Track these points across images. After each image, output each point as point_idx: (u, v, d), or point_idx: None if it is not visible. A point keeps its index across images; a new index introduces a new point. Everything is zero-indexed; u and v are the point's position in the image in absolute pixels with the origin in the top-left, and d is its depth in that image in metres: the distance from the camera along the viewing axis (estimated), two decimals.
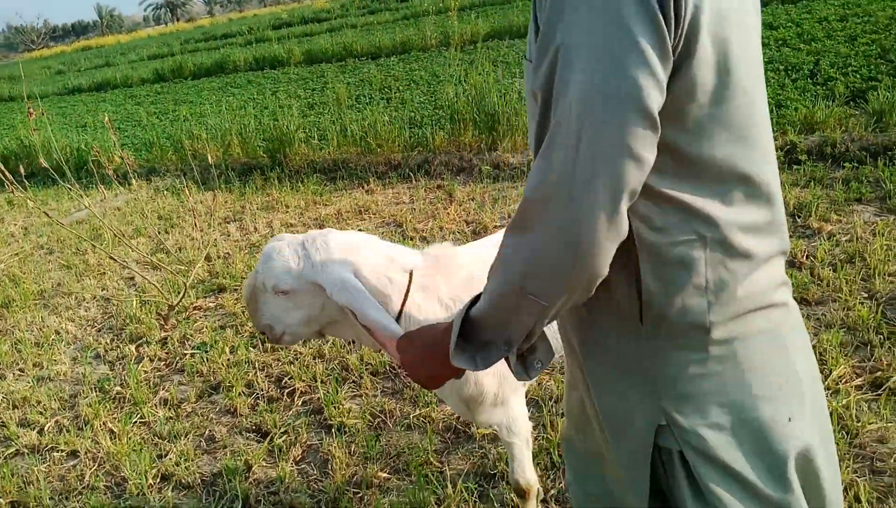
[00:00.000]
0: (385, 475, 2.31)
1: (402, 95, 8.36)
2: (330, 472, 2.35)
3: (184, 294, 3.73)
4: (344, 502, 2.20)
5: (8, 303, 4.37)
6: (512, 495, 2.03)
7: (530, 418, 2.44)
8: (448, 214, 4.52)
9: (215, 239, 4.85)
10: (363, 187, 5.51)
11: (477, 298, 0.93)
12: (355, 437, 2.50)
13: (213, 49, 20.16)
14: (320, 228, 4.68)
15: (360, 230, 4.50)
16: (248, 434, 2.66)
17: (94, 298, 4.28)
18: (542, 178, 0.77)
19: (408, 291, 1.46)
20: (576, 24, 0.72)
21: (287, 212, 5.22)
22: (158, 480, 2.48)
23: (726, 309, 0.88)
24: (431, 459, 2.34)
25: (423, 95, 8.18)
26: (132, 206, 6.16)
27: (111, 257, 4.16)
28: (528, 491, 1.77)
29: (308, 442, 2.55)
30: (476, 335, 0.93)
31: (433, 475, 2.25)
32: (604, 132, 0.71)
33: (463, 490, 2.14)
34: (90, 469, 2.59)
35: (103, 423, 2.85)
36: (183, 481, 2.45)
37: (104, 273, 4.61)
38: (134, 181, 6.94)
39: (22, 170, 4.01)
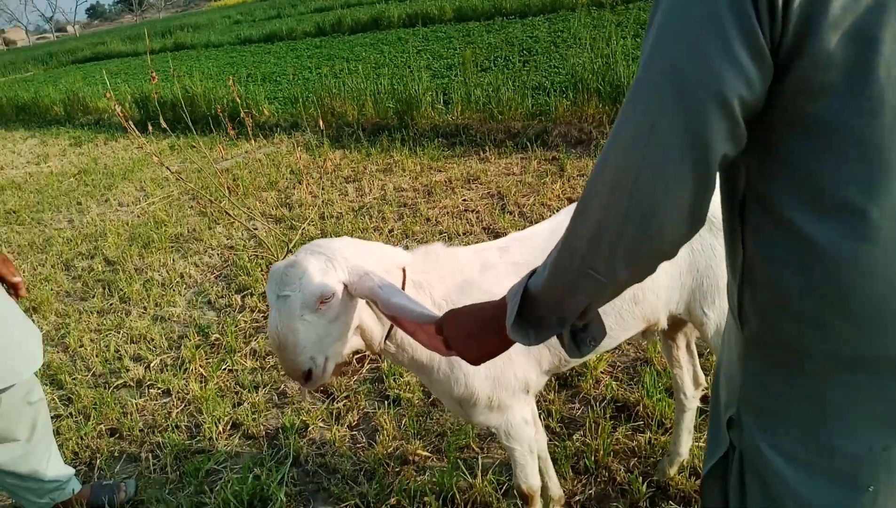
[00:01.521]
0: (425, 453, 2.38)
1: (538, 59, 8.19)
2: (376, 443, 2.46)
3: (287, 251, 3.98)
4: (381, 473, 2.30)
5: (148, 243, 4.88)
6: None
7: (579, 416, 2.43)
8: (553, 190, 4.43)
9: (332, 199, 5.10)
10: (479, 155, 5.51)
11: (533, 272, 0.95)
12: (407, 411, 2.59)
13: (372, 3, 20.66)
14: (428, 194, 4.80)
15: (464, 200, 4.59)
16: (315, 395, 2.84)
17: (220, 246, 4.67)
18: (607, 151, 0.77)
19: (403, 287, 1.48)
20: (672, 9, 0.71)
21: (403, 175, 5.35)
22: (229, 427, 2.72)
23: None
24: (472, 444, 2.38)
25: (558, 59, 7.95)
26: (271, 158, 6.56)
27: (226, 212, 4.51)
28: (531, 497, 1.76)
29: (364, 410, 2.68)
30: (531, 309, 0.94)
31: (468, 461, 2.29)
32: (676, 116, 0.70)
33: (490, 481, 2.17)
34: (177, 408, 2.89)
35: (197, 366, 3.14)
36: (249, 431, 2.66)
37: (233, 223, 4.99)
38: (276, 134, 7.41)
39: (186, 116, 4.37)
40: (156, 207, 5.76)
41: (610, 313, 1.62)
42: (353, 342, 1.49)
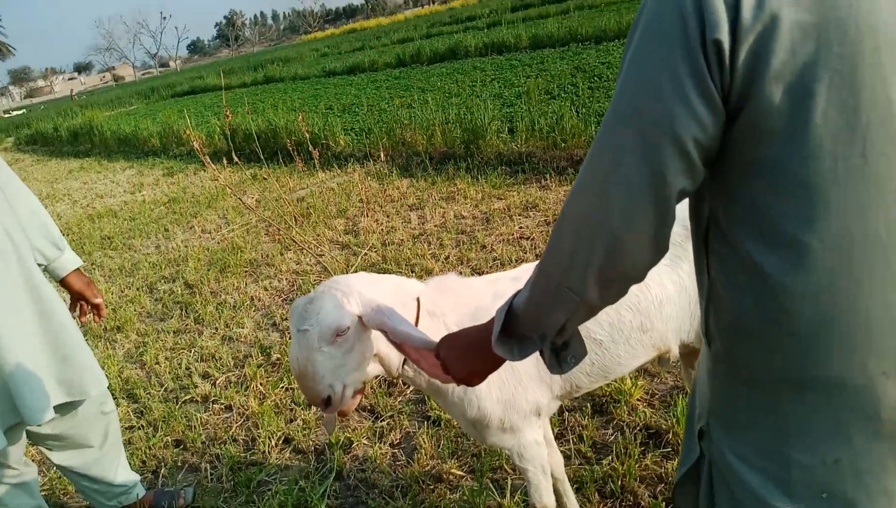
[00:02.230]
0: (459, 472, 2.47)
1: (608, 85, 8.20)
2: (414, 461, 2.57)
3: None
4: (415, 490, 2.41)
5: (224, 268, 5.20)
6: None
7: (611, 442, 2.46)
8: None
9: (395, 226, 5.29)
10: (539, 183, 5.59)
11: (518, 293, 1.04)
12: (446, 432, 2.69)
13: (450, 33, 21.13)
14: (486, 221, 4.91)
15: (520, 227, 4.67)
16: (363, 413, 2.98)
17: (289, 271, 4.93)
18: (581, 178, 0.87)
19: (417, 316, 1.59)
20: (635, 57, 0.81)
21: (464, 203, 5.49)
22: (282, 442, 2.89)
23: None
24: (505, 465, 2.45)
25: None
26: (343, 188, 6.85)
27: (292, 239, 4.76)
28: None
29: (406, 429, 2.80)
30: (515, 327, 1.03)
31: (499, 481, 2.36)
32: (637, 154, 0.79)
33: (517, 502, 2.23)
34: (237, 423, 3.09)
35: (258, 384, 3.35)
36: (299, 446, 2.83)
37: (302, 250, 5.26)
38: (350, 164, 7.72)
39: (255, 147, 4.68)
40: (234, 234, 6.12)
41: (619, 340, 1.69)
42: (373, 369, 1.60)
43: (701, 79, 0.75)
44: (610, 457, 2.36)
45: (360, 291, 1.50)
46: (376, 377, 1.66)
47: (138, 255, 6.14)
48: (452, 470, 2.47)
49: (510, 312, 1.04)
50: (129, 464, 2.84)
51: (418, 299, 1.61)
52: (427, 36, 23.16)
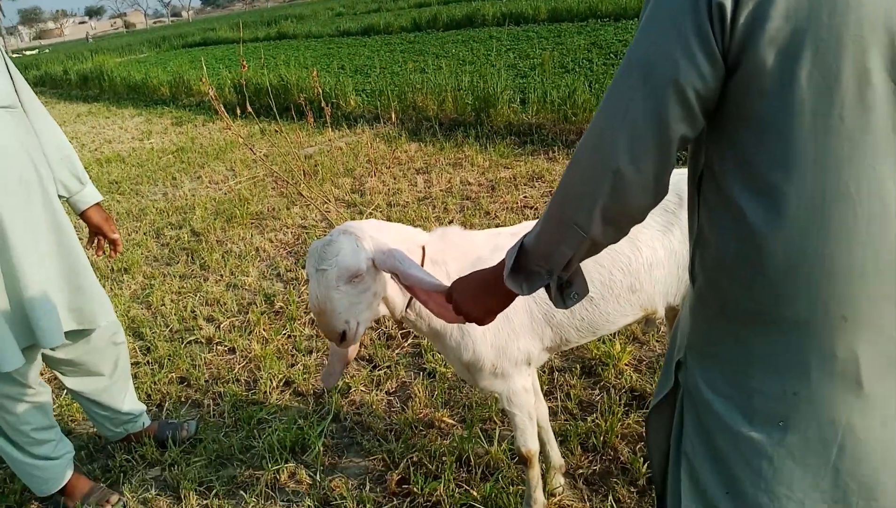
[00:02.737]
0: (451, 421, 2.59)
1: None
2: (408, 408, 2.68)
3: None
4: (408, 434, 2.53)
5: (231, 218, 5.29)
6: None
7: (596, 401, 2.57)
8: None
9: (402, 188, 5.37)
10: (547, 155, 5.65)
11: (529, 232, 1.13)
12: (440, 383, 2.80)
13: (469, 1, 20.93)
14: (492, 189, 4.99)
15: (525, 197, 4.75)
16: (361, 362, 3.09)
17: (294, 225, 5.02)
18: (594, 119, 0.97)
19: (422, 263, 1.69)
20: (650, 16, 0.91)
21: (471, 170, 5.56)
22: (282, 384, 3.01)
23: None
24: (494, 417, 2.57)
25: None
26: (351, 148, 6.90)
27: (300, 194, 4.84)
28: (529, 459, 1.94)
29: (402, 379, 2.91)
30: (525, 263, 1.12)
31: (488, 431, 2.48)
32: (643, 97, 0.89)
33: (504, 450, 2.35)
34: (240, 364, 3.21)
35: (261, 330, 3.46)
36: (299, 389, 2.95)
37: (308, 205, 5.34)
38: (359, 125, 7.77)
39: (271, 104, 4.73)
40: (241, 186, 6.19)
41: (609, 298, 1.78)
42: (379, 310, 1.70)
43: (704, 36, 0.85)
44: (594, 415, 2.48)
45: (372, 235, 1.59)
46: (380, 317, 1.76)
47: (145, 201, 6.22)
48: (444, 419, 2.59)
49: (521, 249, 1.13)
50: (137, 397, 2.96)
51: (423, 247, 1.70)
52: (444, 2, 22.89)
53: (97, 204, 2.49)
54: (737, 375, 1.02)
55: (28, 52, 44.17)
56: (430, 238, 1.75)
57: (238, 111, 5.86)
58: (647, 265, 1.77)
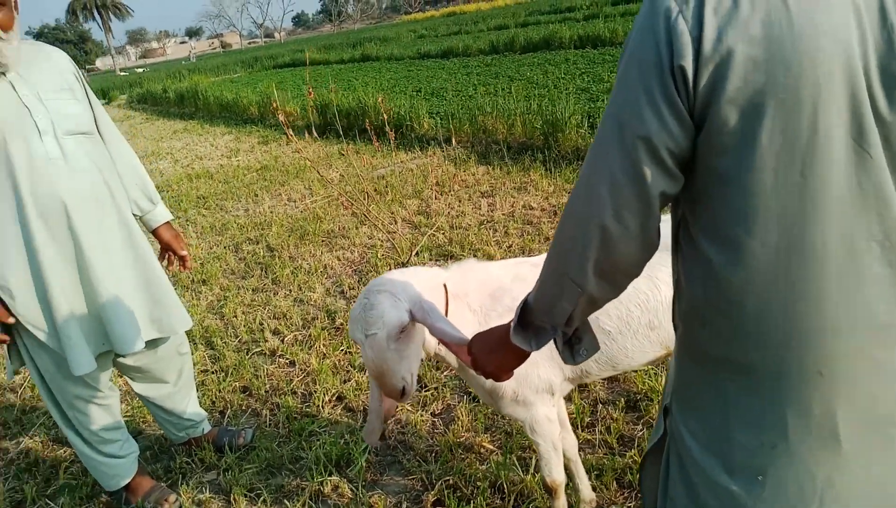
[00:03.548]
0: (490, 446, 2.64)
1: None
2: (450, 431, 2.76)
3: (411, 254, 4.39)
4: (447, 457, 2.60)
5: (304, 235, 5.53)
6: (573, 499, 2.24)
7: (638, 437, 2.57)
8: None
9: (465, 211, 5.47)
10: None
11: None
12: (483, 408, 2.87)
13: (547, 23, 20.98)
14: (554, 214, 5.02)
15: None
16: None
17: (361, 244, 5.20)
18: (579, 179, 1.03)
19: (447, 300, 1.77)
20: (620, 78, 0.97)
21: (535, 194, 5.61)
22: (335, 399, 3.15)
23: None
24: (533, 446, 2.60)
25: None
26: (421, 169, 7.08)
27: (364, 215, 5.01)
28: (555, 490, 1.98)
29: (448, 401, 2.99)
30: (531, 318, 1.18)
31: (526, 459, 2.53)
32: (619, 154, 0.95)
33: (539, 480, 2.39)
34: (298, 377, 3.37)
35: (321, 345, 3.62)
36: (350, 405, 3.08)
37: (376, 225, 5.52)
38: (431, 147, 7.94)
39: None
40: (316, 205, 6.46)
41: (626, 333, 1.82)
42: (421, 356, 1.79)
43: (670, 97, 0.89)
44: (633, 451, 2.48)
45: (404, 287, 1.64)
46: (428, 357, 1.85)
47: (228, 216, 6.57)
48: (484, 444, 2.65)
49: (526, 305, 1.18)
50: (200, 403, 3.16)
51: (445, 286, 1.78)
52: (523, 24, 23.09)
53: (167, 223, 2.70)
54: (716, 424, 1.03)
55: (139, 70, 47.27)
56: (449, 275, 1.83)
57: (315, 132, 6.16)
58: (665, 303, 1.79)
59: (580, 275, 1.02)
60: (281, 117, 4.39)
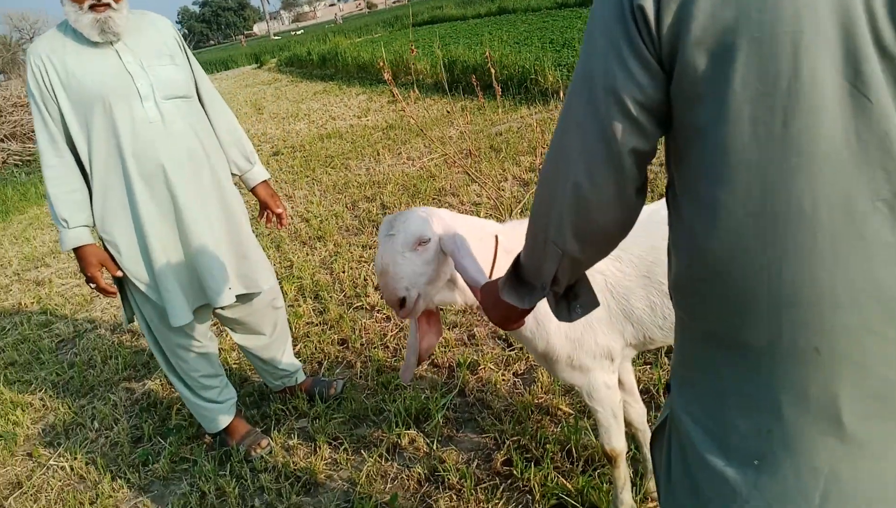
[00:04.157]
0: (567, 409, 2.59)
1: None
2: (529, 392, 2.73)
3: (513, 212, 4.33)
4: (522, 415, 2.58)
5: (416, 193, 5.61)
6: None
7: None
8: None
9: None
10: None
11: None
12: None
13: None
14: None
15: None
16: (496, 340, 3.19)
17: (468, 201, 5.21)
18: (552, 140, 0.99)
19: (496, 252, 1.72)
20: (588, 27, 0.91)
21: None
22: None
23: None
24: None
25: None
26: (541, 124, 6.91)
27: (466, 172, 4.98)
28: (614, 458, 1.90)
29: (531, 362, 2.95)
30: (522, 276, 1.16)
31: None
32: (589, 110, 0.88)
33: None
34: (391, 332, 3.47)
35: None
36: (436, 360, 3.13)
37: (486, 183, 5.49)
38: (553, 101, 7.73)
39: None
40: (433, 162, 6.52)
41: (657, 308, 1.71)
42: (456, 297, 1.77)
43: (634, 43, 0.81)
44: None
45: (442, 217, 1.66)
46: (462, 306, 1.83)
47: (350, 175, 6.80)
48: (561, 406, 2.60)
49: (518, 263, 1.14)
50: (303, 354, 3.35)
51: (496, 237, 1.73)
52: None
53: (265, 182, 2.83)
54: (711, 404, 0.94)
55: (297, 32, 49.69)
56: (503, 228, 1.78)
57: (451, 89, 6.12)
58: None
59: (559, 237, 0.96)
60: (386, 76, 4.42)
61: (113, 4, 2.27)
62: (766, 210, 0.78)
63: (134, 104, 2.35)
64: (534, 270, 1.08)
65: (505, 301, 1.22)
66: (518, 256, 1.14)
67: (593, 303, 1.14)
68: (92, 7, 2.24)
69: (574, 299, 1.13)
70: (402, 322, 3.51)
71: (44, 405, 3.57)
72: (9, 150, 13.11)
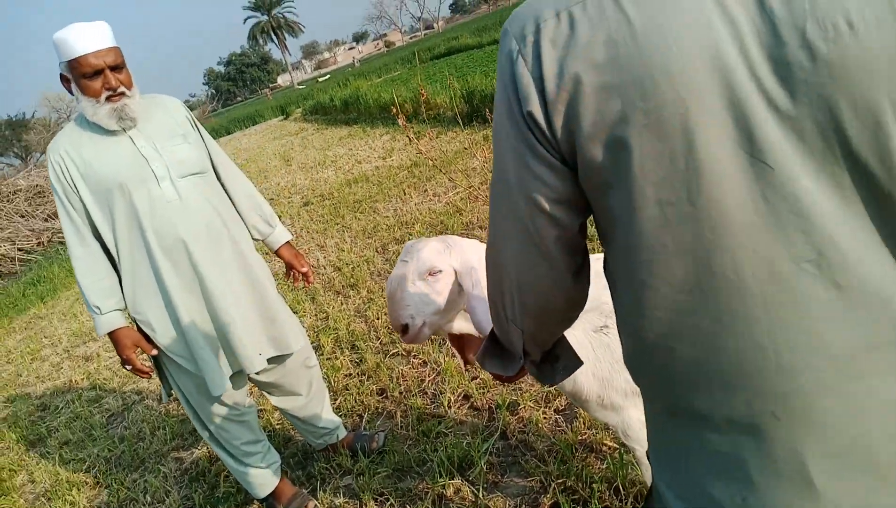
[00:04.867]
0: (613, 444, 2.52)
1: None
2: (572, 429, 2.67)
3: None
4: (567, 454, 2.52)
5: (443, 231, 5.62)
6: None
7: None
8: None
9: None
10: None
11: None
12: None
13: None
14: None
15: None
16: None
17: None
18: (489, 226, 1.00)
19: None
20: (493, 133, 0.92)
21: None
22: (461, 398, 3.17)
23: None
24: None
25: None
26: None
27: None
28: None
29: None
30: (501, 345, 1.15)
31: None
32: (509, 210, 0.89)
33: None
34: (429, 377, 3.45)
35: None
36: (475, 403, 3.09)
37: None
38: None
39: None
40: (458, 197, 6.53)
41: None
42: (466, 326, 1.73)
43: (533, 148, 0.80)
44: None
45: (464, 250, 1.65)
46: (479, 337, 1.81)
47: (379, 217, 6.85)
48: (605, 441, 2.54)
49: (493, 332, 1.13)
50: (343, 408, 3.35)
51: None
52: None
53: (287, 243, 2.86)
54: (686, 476, 0.90)
55: (322, 78, 50.88)
56: None
57: (471, 120, 6.12)
58: None
59: (515, 318, 0.97)
60: (401, 121, 4.48)
61: (127, 92, 2.36)
62: (693, 286, 0.77)
63: (151, 186, 2.41)
64: (506, 342, 1.08)
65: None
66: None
67: (575, 363, 1.13)
68: (108, 98, 2.32)
69: (556, 362, 1.12)
70: (408, 346, 3.50)
71: (97, 483, 3.63)
72: (53, 228, 13.59)
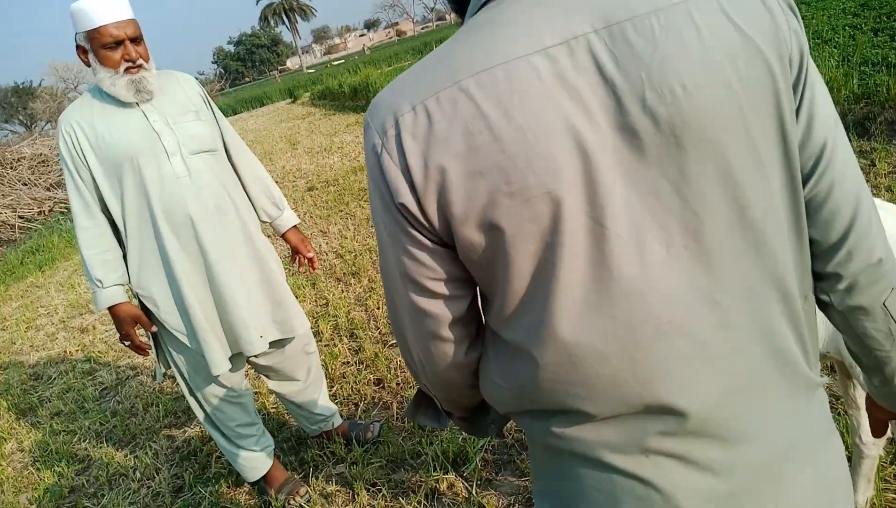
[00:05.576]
0: None
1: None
2: None
3: None
4: None
5: None
6: None
7: None
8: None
9: None
10: None
11: None
12: None
13: None
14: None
15: None
16: None
17: None
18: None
19: None
20: (373, 217, 0.91)
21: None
22: None
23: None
24: None
25: None
26: None
27: None
28: None
29: None
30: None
31: None
32: (392, 290, 0.90)
33: None
34: None
35: None
36: None
37: None
38: None
39: None
40: None
41: None
42: None
43: (410, 235, 0.81)
44: None
45: None
46: None
47: None
48: None
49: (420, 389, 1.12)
50: (339, 395, 3.33)
51: None
52: None
53: (294, 227, 2.84)
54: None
55: (335, 63, 50.79)
56: None
57: None
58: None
59: (427, 384, 0.98)
60: None
61: (145, 65, 2.33)
62: (566, 356, 0.78)
63: (161, 161, 2.39)
64: (430, 397, 1.08)
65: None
66: None
67: (505, 418, 1.11)
68: (127, 70, 2.29)
69: (485, 415, 1.10)
70: None
71: (87, 456, 3.62)
72: (55, 198, 13.56)
